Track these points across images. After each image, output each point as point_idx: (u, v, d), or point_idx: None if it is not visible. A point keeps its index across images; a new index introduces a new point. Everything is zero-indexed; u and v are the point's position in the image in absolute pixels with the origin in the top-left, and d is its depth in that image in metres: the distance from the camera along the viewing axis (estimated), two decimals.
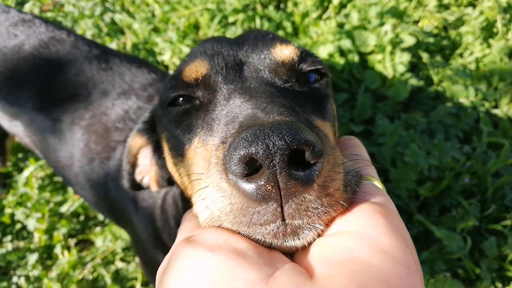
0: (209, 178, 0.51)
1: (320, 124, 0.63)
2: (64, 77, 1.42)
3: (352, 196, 0.51)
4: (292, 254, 0.50)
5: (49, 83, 1.42)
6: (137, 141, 0.94)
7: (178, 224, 1.14)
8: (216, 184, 0.49)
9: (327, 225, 0.50)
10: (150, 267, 1.36)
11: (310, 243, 0.49)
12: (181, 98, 0.72)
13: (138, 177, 1.00)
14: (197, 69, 0.71)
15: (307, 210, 0.46)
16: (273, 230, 0.48)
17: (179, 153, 0.72)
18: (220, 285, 0.42)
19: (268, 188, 0.44)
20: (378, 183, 0.58)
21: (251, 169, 0.44)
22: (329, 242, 0.47)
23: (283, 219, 0.47)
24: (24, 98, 1.43)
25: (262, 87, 0.65)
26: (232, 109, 0.58)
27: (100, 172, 1.35)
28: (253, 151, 0.42)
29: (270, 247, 0.50)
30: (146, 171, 0.98)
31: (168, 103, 0.73)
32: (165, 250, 1.25)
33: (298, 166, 0.44)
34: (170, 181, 0.96)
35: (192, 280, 0.44)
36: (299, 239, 0.48)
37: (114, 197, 1.34)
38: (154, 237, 1.24)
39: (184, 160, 0.70)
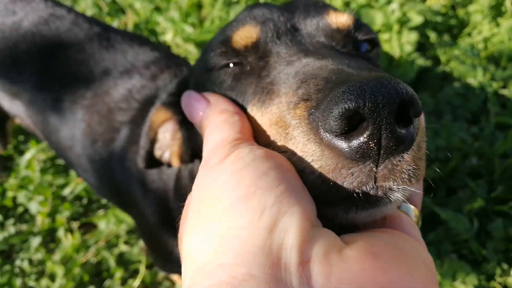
0: (289, 143, 0.47)
1: None
2: (64, 55, 1.38)
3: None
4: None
5: (49, 61, 1.38)
6: (160, 115, 0.87)
7: None
8: (301, 149, 0.45)
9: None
10: (159, 251, 1.33)
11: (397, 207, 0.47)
12: (231, 64, 0.68)
13: (158, 152, 0.93)
14: (247, 35, 0.67)
15: (401, 171, 0.43)
16: (364, 191, 0.44)
17: None
18: (285, 174, 0.41)
19: (371, 145, 0.40)
20: (415, 211, 0.57)
21: (349, 125, 0.40)
22: (374, 235, 0.45)
23: (376, 180, 0.43)
24: (24, 76, 1.40)
25: (325, 49, 0.61)
26: (303, 68, 0.54)
27: (103, 154, 1.32)
28: (361, 104, 0.38)
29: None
30: (167, 145, 0.91)
31: (217, 69, 0.69)
32: (177, 233, 1.23)
33: (398, 122, 0.41)
34: (194, 156, 0.91)
35: (256, 167, 0.43)
36: (390, 201, 0.45)
37: (118, 179, 1.31)
38: (164, 220, 1.21)
39: None
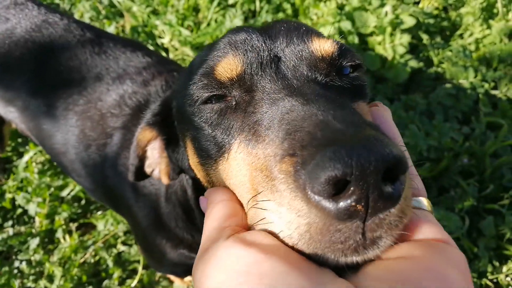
0: (274, 194, 0.48)
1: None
2: (57, 62, 1.40)
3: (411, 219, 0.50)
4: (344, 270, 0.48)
5: (42, 67, 1.40)
6: (146, 134, 0.91)
7: (185, 211, 1.14)
8: (287, 202, 0.46)
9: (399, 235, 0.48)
10: (152, 253, 1.36)
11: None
12: (214, 97, 0.67)
13: (148, 169, 0.98)
14: (231, 67, 0.66)
15: (389, 223, 0.45)
16: (353, 245, 0.45)
17: (211, 156, 0.68)
18: (273, 287, 0.41)
19: (358, 207, 0.41)
20: (426, 201, 0.56)
21: (337, 188, 0.41)
22: (381, 263, 0.46)
23: (363, 234, 0.45)
24: (18, 83, 1.42)
25: (309, 86, 0.61)
26: (287, 113, 0.54)
27: (96, 159, 1.34)
28: (348, 173, 0.39)
29: (337, 263, 0.47)
30: (156, 163, 0.96)
31: (201, 102, 0.68)
32: (169, 236, 1.25)
33: (385, 181, 0.42)
34: (181, 172, 0.94)
35: (243, 280, 0.43)
36: (378, 248, 0.46)
37: (112, 184, 1.34)
38: (157, 223, 1.24)
39: (219, 165, 0.66)
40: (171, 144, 0.91)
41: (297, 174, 0.44)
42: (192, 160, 0.78)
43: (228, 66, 0.66)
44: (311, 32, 0.71)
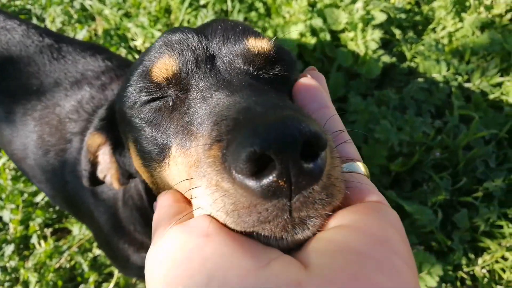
0: (203, 179, 0.49)
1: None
2: (15, 68, 1.40)
3: (346, 184, 0.51)
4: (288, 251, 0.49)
5: (1, 74, 1.40)
6: (95, 139, 0.91)
7: (143, 215, 1.14)
8: (215, 184, 0.47)
9: (329, 215, 0.49)
10: (116, 258, 1.36)
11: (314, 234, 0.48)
12: (151, 99, 0.68)
13: (100, 175, 0.98)
14: (167, 67, 0.67)
15: (313, 202, 0.46)
16: (281, 223, 0.46)
17: (153, 158, 0.69)
18: (215, 272, 0.42)
19: (281, 183, 0.42)
20: (362, 165, 0.57)
21: (258, 166, 0.42)
22: (322, 235, 0.47)
23: (291, 213, 0.46)
24: None
25: (238, 78, 0.63)
26: (215, 106, 0.56)
27: (56, 165, 1.34)
28: (266, 147, 0.40)
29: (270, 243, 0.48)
30: (107, 168, 0.96)
31: (139, 105, 0.69)
32: (130, 240, 1.25)
33: (305, 158, 0.43)
34: (131, 176, 0.94)
35: (186, 267, 0.44)
36: (308, 228, 0.48)
37: (72, 189, 1.34)
38: (117, 228, 1.24)
39: (162, 171, 0.67)
40: (118, 148, 0.91)
41: (224, 157, 0.46)
42: (136, 162, 0.78)
43: (163, 66, 0.67)
44: (248, 31, 0.72)
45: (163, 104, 0.67)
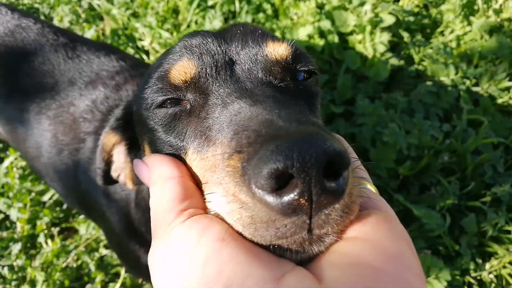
0: (219, 187, 0.49)
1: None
2: (30, 66, 1.40)
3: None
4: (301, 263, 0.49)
5: (16, 72, 1.40)
6: (110, 138, 0.92)
7: None
8: (232, 194, 0.47)
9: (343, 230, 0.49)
10: (127, 259, 1.36)
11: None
12: (168, 101, 0.68)
13: (114, 174, 0.99)
14: (186, 70, 0.66)
15: (335, 219, 0.45)
16: (298, 240, 0.46)
17: None
18: (232, 280, 0.41)
19: (302, 202, 0.42)
20: (371, 187, 0.58)
21: (279, 182, 0.41)
22: (335, 248, 0.47)
23: (309, 230, 0.45)
24: None
25: (261, 88, 0.62)
26: (236, 115, 0.55)
27: (69, 164, 1.34)
28: (289, 165, 0.40)
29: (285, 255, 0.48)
30: (122, 168, 0.97)
31: (156, 106, 0.69)
32: (142, 242, 1.25)
33: (327, 177, 0.43)
34: None
35: (202, 273, 0.43)
36: (324, 244, 0.47)
37: (84, 189, 1.34)
38: (129, 229, 1.24)
39: None
40: (134, 148, 0.91)
41: (244, 169, 0.45)
42: None
43: (182, 69, 0.67)
44: (266, 36, 0.72)
45: (180, 107, 0.67)
